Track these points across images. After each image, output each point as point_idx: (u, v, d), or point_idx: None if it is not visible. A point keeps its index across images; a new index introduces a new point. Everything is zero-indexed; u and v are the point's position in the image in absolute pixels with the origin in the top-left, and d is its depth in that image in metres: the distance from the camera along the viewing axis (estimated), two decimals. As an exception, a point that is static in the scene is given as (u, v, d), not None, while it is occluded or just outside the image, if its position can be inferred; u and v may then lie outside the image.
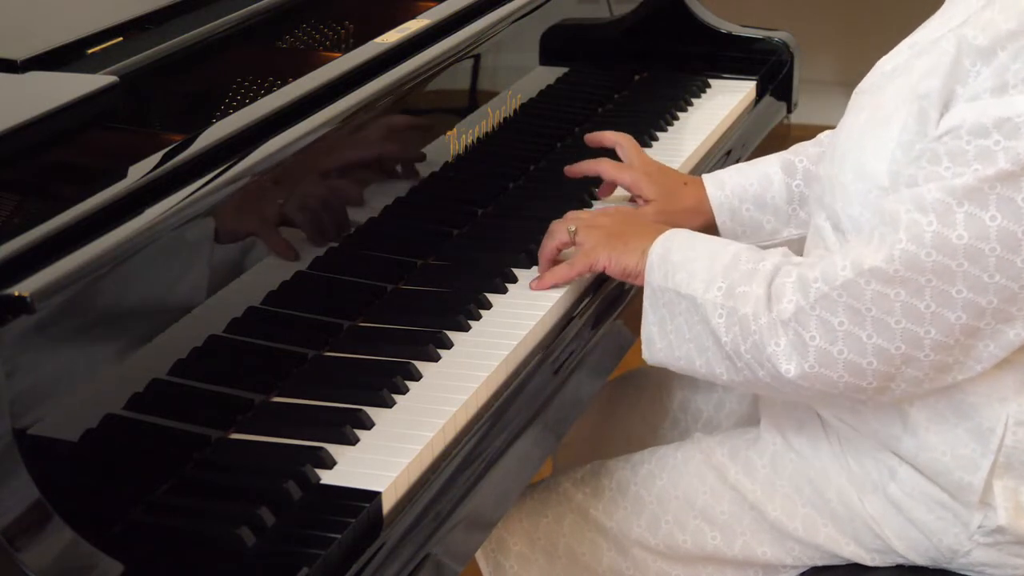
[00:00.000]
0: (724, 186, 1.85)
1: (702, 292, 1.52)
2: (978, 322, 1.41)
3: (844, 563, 1.64)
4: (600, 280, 1.83)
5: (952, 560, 1.58)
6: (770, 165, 1.85)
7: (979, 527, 1.54)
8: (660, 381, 1.97)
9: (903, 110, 1.45)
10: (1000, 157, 1.36)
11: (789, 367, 1.46)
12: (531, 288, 1.71)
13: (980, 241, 1.38)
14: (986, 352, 1.44)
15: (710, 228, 1.87)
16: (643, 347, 1.61)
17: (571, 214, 1.75)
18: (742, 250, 1.56)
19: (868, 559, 1.63)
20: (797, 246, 1.85)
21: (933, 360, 1.43)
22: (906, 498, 1.57)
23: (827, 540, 1.63)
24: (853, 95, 1.61)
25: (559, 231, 1.71)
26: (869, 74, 1.61)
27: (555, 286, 1.71)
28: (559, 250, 1.72)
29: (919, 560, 1.60)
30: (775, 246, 1.84)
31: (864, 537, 1.62)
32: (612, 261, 1.65)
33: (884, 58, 1.60)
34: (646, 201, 1.87)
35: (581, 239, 1.68)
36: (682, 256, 1.57)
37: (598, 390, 1.76)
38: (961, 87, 1.40)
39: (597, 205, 1.93)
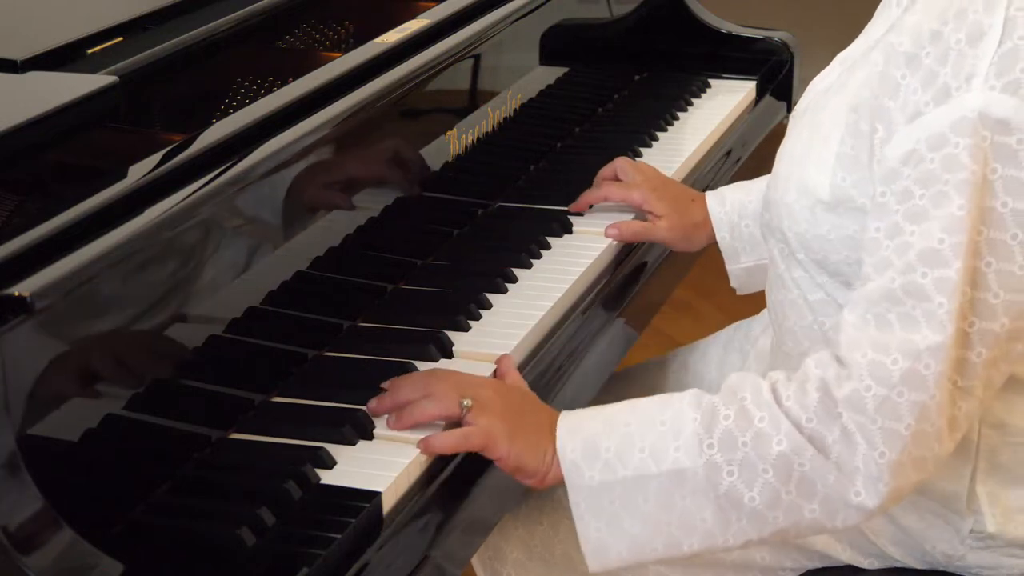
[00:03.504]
0: (725, 202, 1.85)
1: (691, 460, 1.36)
2: (1020, 321, 1.35)
3: (841, 565, 1.64)
4: (599, 280, 1.83)
5: (948, 564, 1.58)
6: None
7: (971, 532, 1.54)
8: (652, 383, 1.96)
9: (841, 125, 1.42)
10: (964, 157, 1.31)
11: (860, 490, 1.35)
12: (418, 448, 1.42)
13: (999, 232, 1.32)
14: (1022, 347, 1.38)
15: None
16: (590, 560, 1.41)
17: (446, 376, 1.49)
18: (698, 396, 1.41)
19: (866, 563, 1.62)
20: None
21: (983, 376, 1.35)
22: (898, 507, 1.57)
23: (824, 546, 1.63)
24: (791, 119, 1.59)
25: (450, 401, 1.45)
26: (804, 95, 1.59)
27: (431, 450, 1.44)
28: (441, 419, 1.46)
29: (916, 564, 1.60)
30: None
31: (860, 543, 1.61)
32: (511, 456, 1.43)
33: (817, 77, 1.58)
34: (657, 216, 1.87)
35: (472, 418, 1.44)
36: (618, 440, 1.40)
37: (597, 391, 1.76)
38: (891, 100, 1.36)
39: (576, 220, 1.92)
